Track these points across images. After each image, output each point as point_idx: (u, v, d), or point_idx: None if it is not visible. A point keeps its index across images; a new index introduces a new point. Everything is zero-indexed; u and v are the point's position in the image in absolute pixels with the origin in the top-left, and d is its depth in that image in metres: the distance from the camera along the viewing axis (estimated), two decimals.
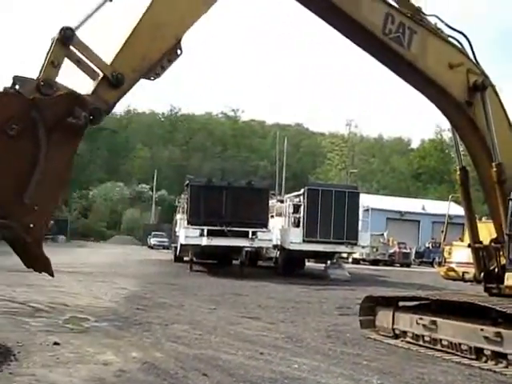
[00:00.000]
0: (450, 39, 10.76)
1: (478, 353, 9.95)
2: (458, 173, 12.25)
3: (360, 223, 30.83)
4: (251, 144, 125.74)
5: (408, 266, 54.72)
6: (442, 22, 10.67)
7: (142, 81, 7.50)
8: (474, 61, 10.86)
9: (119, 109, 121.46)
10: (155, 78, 7.69)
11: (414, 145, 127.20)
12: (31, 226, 6.48)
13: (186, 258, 33.62)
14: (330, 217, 29.08)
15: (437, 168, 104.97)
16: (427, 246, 61.27)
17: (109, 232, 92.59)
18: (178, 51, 7.69)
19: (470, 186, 12.27)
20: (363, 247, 32.64)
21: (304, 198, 29.68)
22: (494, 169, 10.58)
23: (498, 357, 9.62)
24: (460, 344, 10.28)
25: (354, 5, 9.53)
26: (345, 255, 42.74)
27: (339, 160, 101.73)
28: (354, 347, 11.06)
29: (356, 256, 48.35)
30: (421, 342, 11.17)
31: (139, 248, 67.86)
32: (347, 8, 9.43)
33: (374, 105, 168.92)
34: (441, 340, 10.73)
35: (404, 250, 57.26)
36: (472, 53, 10.86)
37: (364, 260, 51.62)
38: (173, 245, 41.62)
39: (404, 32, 9.97)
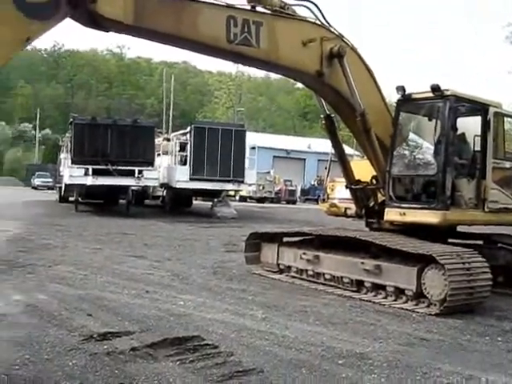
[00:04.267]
0: (300, 9, 10.43)
1: (359, 285, 10.33)
2: (324, 122, 12.33)
3: (247, 161, 31.00)
4: (138, 82, 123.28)
5: (294, 203, 55.95)
6: None
7: None
8: (326, 25, 10.55)
9: None
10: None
11: (300, 84, 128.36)
12: None
13: (71, 199, 32.82)
14: (217, 155, 29.10)
15: None
16: (312, 183, 62.84)
17: None
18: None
19: (337, 132, 12.40)
20: (250, 185, 32.88)
21: (190, 137, 29.44)
22: (359, 118, 10.70)
23: (378, 288, 10.02)
24: (342, 277, 10.62)
25: (193, 27, 8.80)
26: (232, 193, 43.16)
27: (226, 98, 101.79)
28: (239, 283, 11.20)
29: (243, 194, 48.86)
30: (304, 277, 11.47)
31: (23, 189, 65.95)
32: (187, 34, 8.80)
33: None
34: (323, 274, 11.04)
35: (290, 188, 58.48)
36: (323, 17, 10.50)
37: (251, 198, 52.24)
38: (57, 185, 40.64)
39: (250, 30, 9.37)
